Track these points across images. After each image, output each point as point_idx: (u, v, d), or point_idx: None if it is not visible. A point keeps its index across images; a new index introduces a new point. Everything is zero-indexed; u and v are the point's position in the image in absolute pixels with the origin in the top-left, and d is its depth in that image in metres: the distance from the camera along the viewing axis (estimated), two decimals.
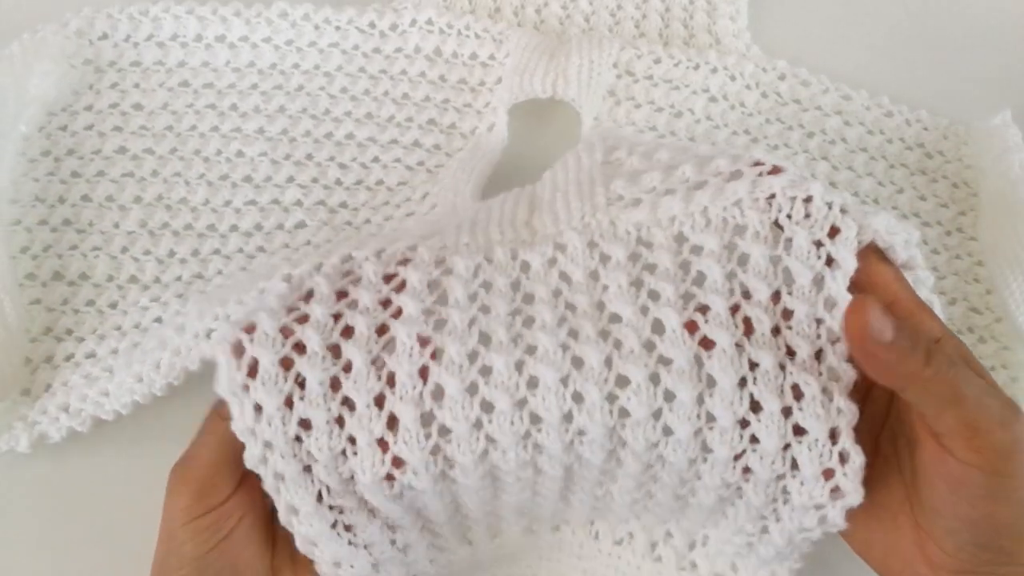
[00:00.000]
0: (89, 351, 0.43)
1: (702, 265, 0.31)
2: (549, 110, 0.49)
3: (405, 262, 0.32)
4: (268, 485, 0.30)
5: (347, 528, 0.32)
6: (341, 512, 0.31)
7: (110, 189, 0.47)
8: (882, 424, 0.33)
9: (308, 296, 0.31)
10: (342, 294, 0.31)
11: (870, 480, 0.31)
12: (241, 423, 0.30)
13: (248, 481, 0.32)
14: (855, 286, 0.30)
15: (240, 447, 0.30)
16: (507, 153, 0.47)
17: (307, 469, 0.30)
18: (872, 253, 0.31)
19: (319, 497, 0.30)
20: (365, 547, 0.32)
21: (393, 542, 0.34)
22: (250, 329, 0.30)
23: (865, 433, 0.32)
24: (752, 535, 0.33)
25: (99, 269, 0.45)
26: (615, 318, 0.31)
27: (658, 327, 0.30)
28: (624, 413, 0.30)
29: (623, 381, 0.30)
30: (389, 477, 0.30)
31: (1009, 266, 0.43)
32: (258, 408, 0.30)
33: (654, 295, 0.31)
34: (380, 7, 0.52)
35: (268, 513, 0.33)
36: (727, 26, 0.52)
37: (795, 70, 0.51)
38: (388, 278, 0.32)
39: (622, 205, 0.32)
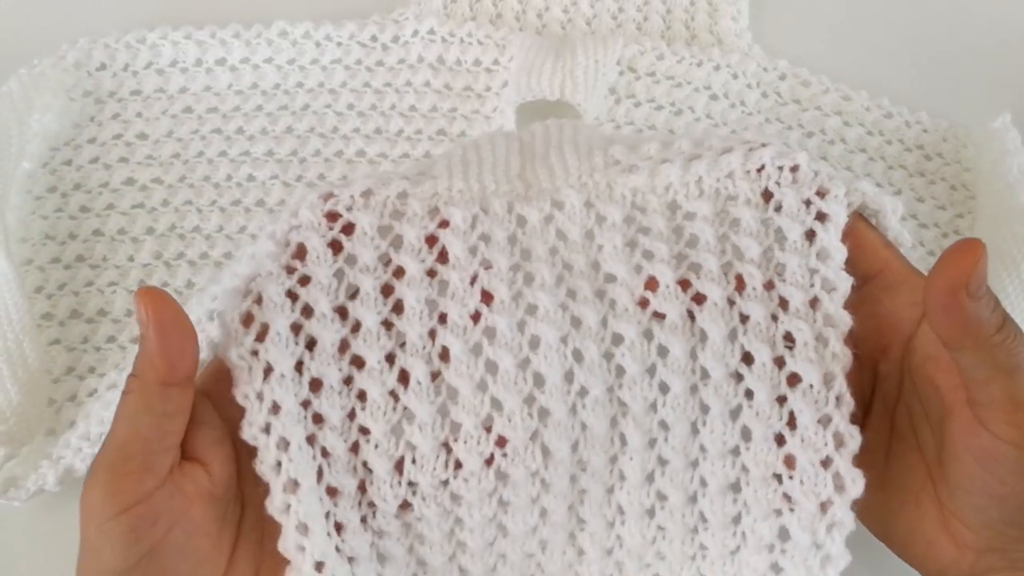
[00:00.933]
0: (111, 383, 0.43)
1: (695, 228, 0.32)
2: (551, 108, 0.49)
3: (397, 215, 0.32)
4: (268, 459, 0.29)
5: (338, 528, 0.31)
6: (336, 504, 0.31)
7: (121, 222, 0.46)
8: (896, 400, 0.32)
9: (301, 253, 0.31)
10: (336, 244, 0.31)
11: (889, 460, 0.31)
12: (249, 387, 0.29)
13: (176, 485, 0.29)
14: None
15: (160, 432, 0.28)
16: None
17: (310, 440, 0.30)
18: (859, 219, 0.31)
19: (319, 474, 0.30)
20: (349, 560, 0.31)
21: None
22: (257, 299, 0.30)
23: (880, 412, 0.32)
24: (773, 545, 0.31)
25: (117, 304, 0.45)
26: (610, 278, 0.31)
27: (651, 284, 0.31)
28: (620, 371, 0.31)
29: (618, 339, 0.31)
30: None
31: (1005, 269, 0.44)
32: (268, 371, 0.29)
33: (648, 254, 0.31)
34: (380, 20, 0.51)
35: (213, 537, 0.30)
36: (729, 26, 0.52)
37: (796, 70, 0.51)
38: (383, 230, 0.32)
39: (619, 169, 0.32)
